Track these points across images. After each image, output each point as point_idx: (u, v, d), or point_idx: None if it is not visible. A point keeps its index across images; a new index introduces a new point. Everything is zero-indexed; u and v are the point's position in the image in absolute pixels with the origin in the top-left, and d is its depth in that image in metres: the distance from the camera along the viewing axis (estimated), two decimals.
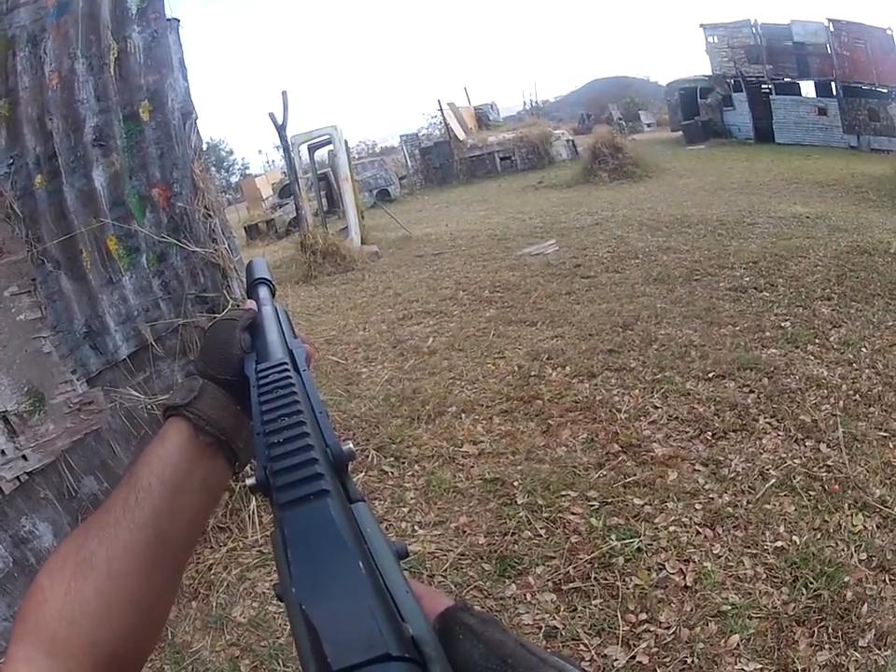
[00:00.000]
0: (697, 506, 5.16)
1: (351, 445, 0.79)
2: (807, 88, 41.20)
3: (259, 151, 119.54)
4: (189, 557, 1.09)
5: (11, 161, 5.63)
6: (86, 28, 6.00)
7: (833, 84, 38.09)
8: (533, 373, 8.02)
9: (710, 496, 5.26)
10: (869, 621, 3.97)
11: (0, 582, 5.16)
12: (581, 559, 4.80)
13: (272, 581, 5.19)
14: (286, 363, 0.99)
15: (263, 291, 1.37)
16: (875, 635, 3.88)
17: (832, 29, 37.12)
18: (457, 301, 12.05)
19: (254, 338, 1.16)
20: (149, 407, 5.98)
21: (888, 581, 4.25)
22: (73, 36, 5.94)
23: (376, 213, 27.02)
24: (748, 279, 10.45)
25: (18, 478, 5.33)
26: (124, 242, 6.10)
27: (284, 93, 18.95)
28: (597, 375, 7.66)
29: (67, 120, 5.87)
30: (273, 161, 72.11)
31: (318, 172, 27.21)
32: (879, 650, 3.79)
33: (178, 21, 6.63)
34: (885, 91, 36.47)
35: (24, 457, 5.36)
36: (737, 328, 8.50)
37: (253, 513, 5.91)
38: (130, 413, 5.92)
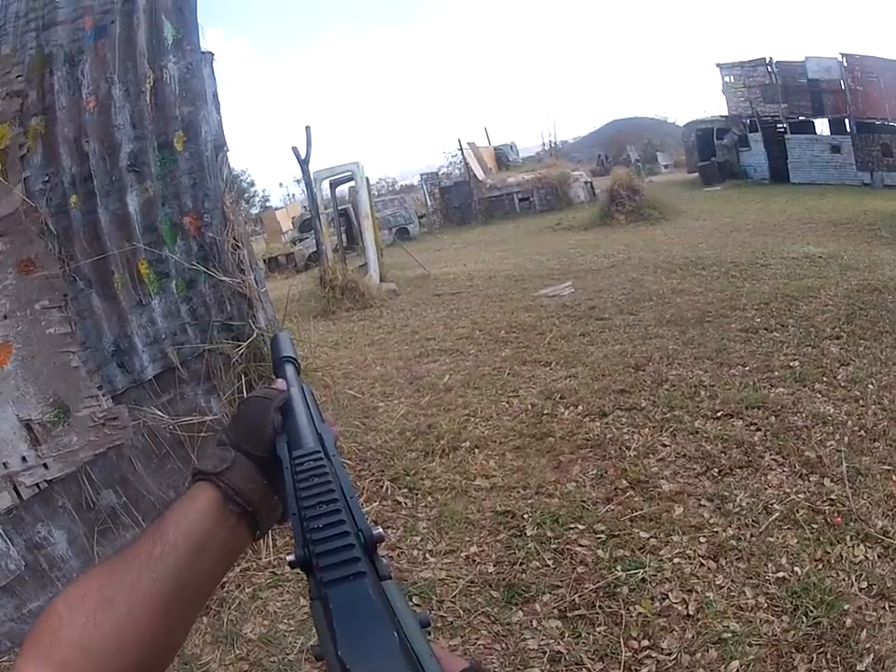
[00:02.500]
0: (702, 539, 5.24)
1: (381, 530, 0.90)
2: (822, 125, 41.10)
3: (280, 184, 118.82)
4: (203, 606, 1.20)
5: (47, 178, 5.85)
6: (123, 54, 6.18)
7: (846, 121, 38.03)
8: (546, 412, 8.10)
9: (715, 529, 5.34)
10: (868, 646, 4.04)
11: (10, 584, 5.37)
12: (586, 588, 4.89)
13: (283, 601, 5.34)
14: (319, 452, 1.10)
15: (290, 370, 1.45)
16: (873, 658, 3.95)
17: (845, 64, 36.95)
18: (473, 341, 12.15)
19: (285, 419, 1.24)
20: (172, 428, 6.09)
21: (887, 608, 4.33)
22: (110, 61, 6.13)
23: (395, 251, 27.17)
24: (759, 320, 10.54)
25: (37, 485, 5.55)
26: (155, 266, 6.24)
27: (307, 128, 19.09)
28: (608, 414, 7.74)
29: (103, 144, 6.06)
30: (293, 195, 71.80)
31: (339, 207, 27.23)
32: None
33: (213, 54, 6.72)
34: None
35: (45, 466, 5.58)
36: (747, 368, 8.57)
37: (267, 537, 5.96)
38: (152, 432, 6.05)
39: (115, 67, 6.12)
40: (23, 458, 5.49)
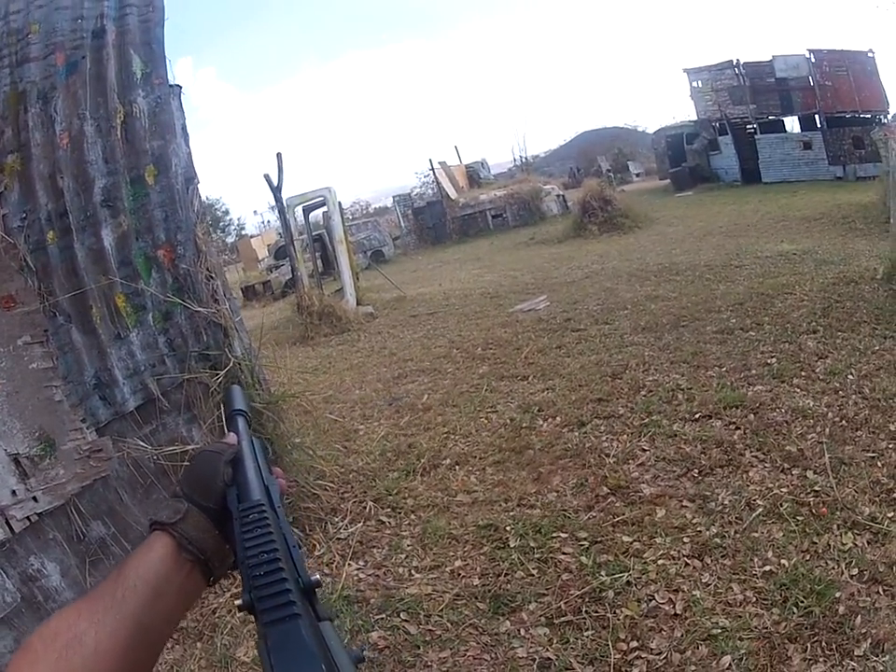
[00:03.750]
0: (685, 539, 5.22)
1: (318, 576, 1.02)
2: (792, 123, 41.54)
3: (255, 212, 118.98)
4: (164, 644, 1.23)
5: (24, 214, 5.88)
6: (94, 89, 6.24)
7: (816, 117, 38.34)
8: (524, 425, 8.10)
9: (698, 529, 5.33)
10: (864, 631, 4.02)
11: (7, 617, 5.31)
12: (572, 594, 4.87)
13: None
14: (263, 505, 1.18)
15: (242, 423, 1.50)
16: (871, 643, 3.93)
17: (813, 60, 37.40)
18: (451, 359, 12.15)
19: (235, 471, 1.30)
20: (155, 458, 6.16)
21: (881, 592, 4.31)
22: (82, 97, 6.18)
23: (371, 274, 27.17)
24: (734, 321, 10.59)
25: (28, 518, 5.55)
26: (132, 300, 6.29)
27: (279, 155, 19.04)
28: (587, 423, 7.75)
29: (77, 180, 6.10)
30: (268, 222, 71.69)
31: (313, 233, 27.22)
32: (877, 656, 3.84)
33: (181, 87, 6.83)
34: (867, 116, 36.84)
35: (35, 499, 5.59)
36: (724, 368, 8.59)
37: None
38: (137, 463, 6.11)
39: (86, 103, 6.19)
40: (13, 492, 5.51)
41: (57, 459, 5.72)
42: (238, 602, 1.00)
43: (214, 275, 6.71)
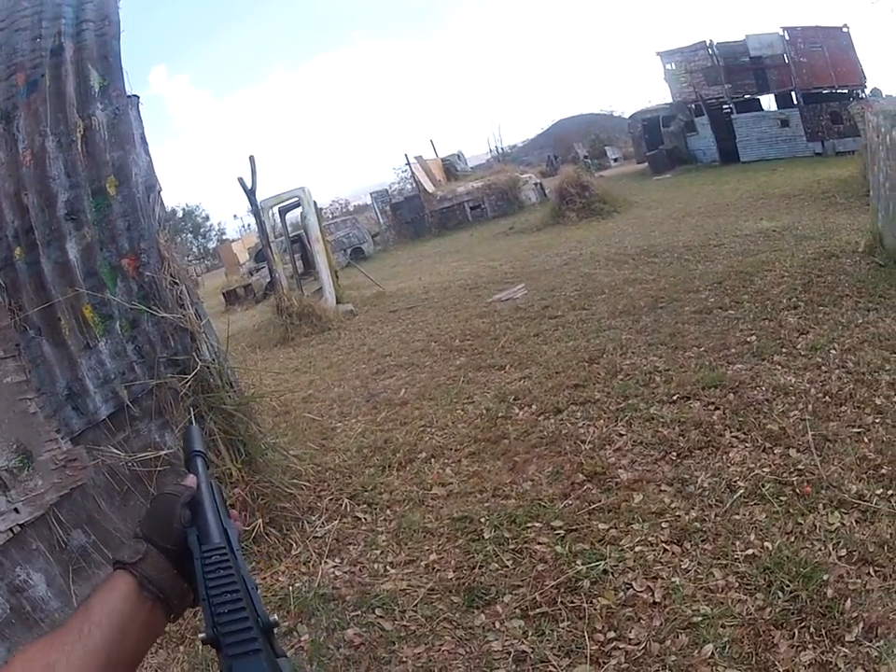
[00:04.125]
0: (664, 525, 5.13)
1: (276, 616, 1.14)
2: (768, 102, 41.99)
3: (235, 216, 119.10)
4: None
5: None
6: (54, 106, 6.34)
7: (792, 94, 38.66)
8: (500, 415, 8.07)
9: (677, 513, 5.23)
10: (855, 615, 3.89)
11: None
12: (547, 585, 4.79)
13: None
14: (224, 548, 1.25)
15: (200, 465, 1.54)
16: (863, 628, 3.79)
17: (787, 38, 37.84)
18: (429, 353, 12.15)
19: (194, 514, 1.36)
20: (130, 465, 6.22)
21: (872, 574, 4.18)
22: (42, 114, 6.31)
23: (351, 271, 27.43)
24: (713, 300, 10.56)
25: (11, 529, 5.60)
26: (99, 310, 6.33)
27: (251, 158, 19.05)
28: (563, 410, 7.70)
29: (41, 196, 6.19)
30: (248, 226, 71.76)
31: (291, 234, 27.45)
32: (870, 641, 3.70)
33: (138, 97, 6.90)
34: (845, 91, 37.15)
35: (16, 510, 5.64)
36: (702, 349, 8.53)
37: None
38: (112, 470, 6.15)
39: (47, 119, 6.34)
40: None
41: (35, 470, 5.79)
42: (202, 635, 1.06)
43: (178, 281, 6.76)
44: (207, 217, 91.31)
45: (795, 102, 38.70)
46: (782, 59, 38.48)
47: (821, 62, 36.85)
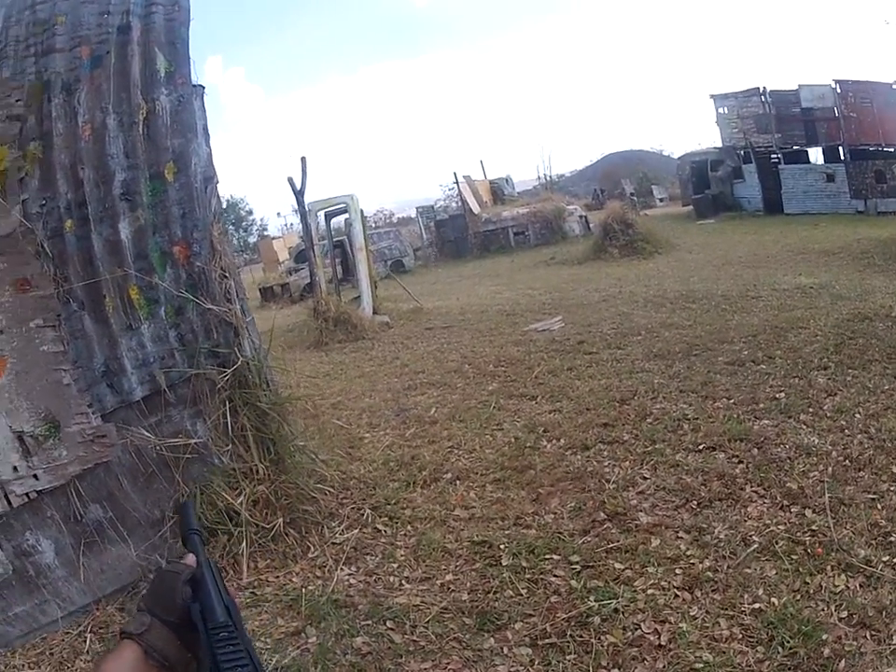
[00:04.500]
0: (677, 571, 5.23)
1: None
2: (815, 154, 41.30)
3: (278, 214, 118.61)
4: None
5: (44, 202, 6.17)
6: (117, 84, 6.46)
7: (840, 148, 38.11)
8: (528, 445, 8.14)
9: (691, 561, 5.32)
10: None
11: None
12: (558, 617, 4.89)
13: (261, 620, 5.49)
14: (231, 625, 1.38)
15: (198, 543, 1.66)
16: None
17: (838, 90, 37.07)
18: (462, 374, 12.24)
19: (196, 590, 1.49)
20: (158, 448, 6.33)
21: (868, 637, 4.27)
22: (105, 91, 6.42)
23: (389, 283, 27.28)
24: (746, 353, 10.58)
25: (27, 494, 5.82)
26: (145, 293, 6.47)
27: (303, 159, 19.11)
28: (590, 448, 7.77)
29: (98, 172, 6.34)
30: (290, 225, 71.18)
31: (335, 239, 27.37)
32: None
33: (203, 88, 7.00)
34: (891, 150, 36.49)
35: (36, 477, 5.85)
36: (732, 400, 8.57)
37: (249, 560, 6.19)
38: (139, 452, 6.29)
39: (110, 97, 6.42)
40: (14, 468, 5.76)
41: (61, 441, 5.94)
42: None
43: (228, 275, 6.81)
44: (251, 212, 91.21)
45: (842, 157, 38.25)
46: (832, 112, 37.90)
47: (870, 117, 36.19)
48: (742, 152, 43.53)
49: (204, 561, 1.57)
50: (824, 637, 4.30)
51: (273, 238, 64.83)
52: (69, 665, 5.32)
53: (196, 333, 6.67)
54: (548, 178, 59.64)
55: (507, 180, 54.90)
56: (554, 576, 5.42)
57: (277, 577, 6.07)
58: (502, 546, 5.96)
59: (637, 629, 4.66)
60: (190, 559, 1.58)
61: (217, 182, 6.88)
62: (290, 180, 19.39)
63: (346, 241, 27.36)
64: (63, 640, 5.61)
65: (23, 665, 5.36)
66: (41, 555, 5.86)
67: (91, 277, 6.23)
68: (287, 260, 46.54)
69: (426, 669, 4.66)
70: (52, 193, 6.17)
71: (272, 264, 52.46)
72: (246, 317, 7.03)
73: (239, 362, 6.67)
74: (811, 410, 7.89)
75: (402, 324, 19.67)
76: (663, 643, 4.50)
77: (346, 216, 23.55)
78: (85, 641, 5.54)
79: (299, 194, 19.53)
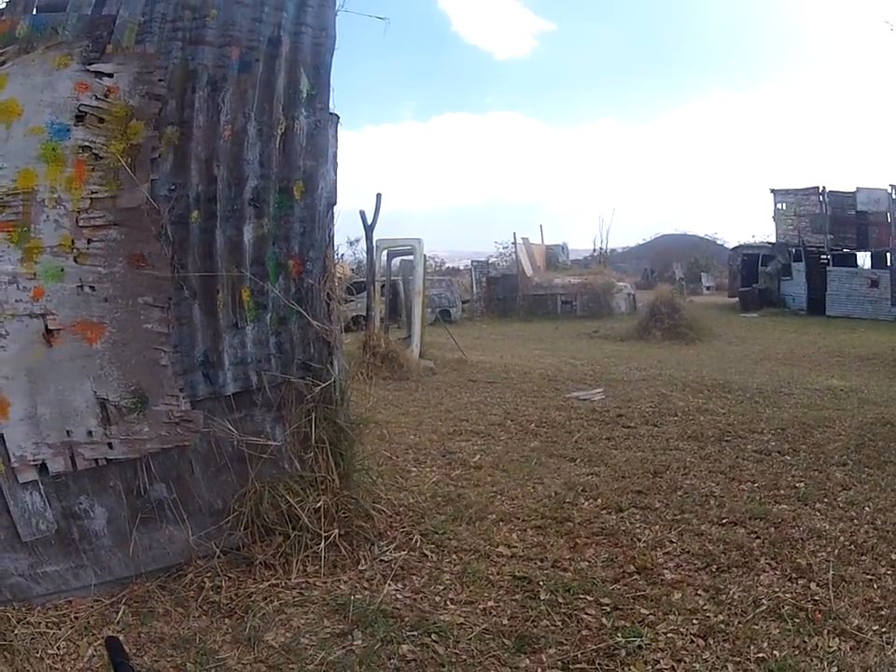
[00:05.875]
0: (694, 621, 5.73)
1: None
2: (864, 258, 41.52)
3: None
4: None
5: (173, 187, 6.42)
6: (262, 94, 6.72)
7: (888, 255, 38.26)
8: (567, 500, 8.61)
9: (707, 614, 5.83)
10: None
11: (33, 543, 5.84)
12: (588, 647, 5.39)
13: (307, 619, 5.84)
14: None
15: None
16: None
17: (893, 196, 37.41)
18: (505, 428, 12.70)
19: None
20: (237, 443, 6.66)
21: None
22: (250, 98, 6.67)
23: (434, 330, 27.26)
24: (773, 443, 11.05)
25: (96, 460, 6.11)
26: (256, 297, 6.79)
27: (378, 195, 19.55)
28: (624, 510, 8.25)
29: (232, 173, 6.62)
30: (342, 255, 71.69)
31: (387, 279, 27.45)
32: None
33: (338, 116, 7.34)
34: None
35: (110, 445, 6.16)
36: (756, 484, 9.07)
37: (300, 563, 6.58)
38: (218, 442, 6.62)
39: (253, 105, 6.68)
40: (90, 433, 6.07)
41: (145, 417, 6.29)
42: None
43: (332, 298, 7.22)
44: None
45: (888, 263, 38.47)
46: (885, 217, 38.30)
47: None
48: (794, 250, 43.56)
49: None
50: None
51: None
52: (95, 632, 5.52)
53: (294, 344, 7.00)
54: (602, 251, 59.78)
55: (563, 248, 55.16)
56: (587, 613, 5.90)
57: (325, 582, 6.40)
58: (541, 583, 6.41)
59: (657, 664, 5.18)
60: None
61: (337, 209, 7.30)
62: (362, 214, 19.81)
63: (399, 282, 27.88)
64: (93, 607, 5.84)
65: (40, 623, 5.54)
66: (91, 521, 6.10)
67: (208, 271, 6.52)
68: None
69: None
70: (184, 181, 6.41)
71: None
72: (341, 340, 7.42)
73: (331, 379, 7.05)
74: (826, 500, 8.39)
75: (446, 372, 20.03)
76: None
77: (410, 257, 23.86)
78: (117, 612, 5.79)
79: (369, 229, 19.97)
